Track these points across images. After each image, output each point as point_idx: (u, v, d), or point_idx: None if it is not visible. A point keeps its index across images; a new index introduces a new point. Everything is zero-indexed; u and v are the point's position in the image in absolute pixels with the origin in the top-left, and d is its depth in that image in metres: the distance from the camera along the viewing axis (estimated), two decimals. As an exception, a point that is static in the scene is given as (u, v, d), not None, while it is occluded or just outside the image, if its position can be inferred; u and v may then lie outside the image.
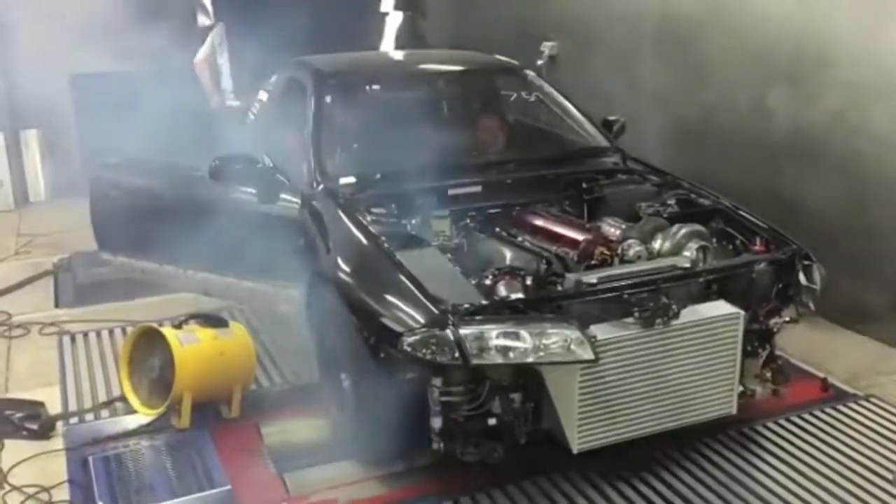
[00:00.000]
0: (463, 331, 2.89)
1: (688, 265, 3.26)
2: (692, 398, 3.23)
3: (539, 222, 3.75)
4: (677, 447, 3.44)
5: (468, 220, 3.81)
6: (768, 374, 3.46)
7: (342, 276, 3.39)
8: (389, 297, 3.10)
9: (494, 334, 2.90)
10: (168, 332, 3.65)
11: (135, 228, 4.66)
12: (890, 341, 4.50)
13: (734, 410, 3.34)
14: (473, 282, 3.34)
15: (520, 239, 3.66)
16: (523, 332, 2.90)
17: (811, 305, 3.50)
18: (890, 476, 3.32)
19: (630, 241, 3.43)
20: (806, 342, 4.22)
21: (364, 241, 3.42)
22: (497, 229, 3.79)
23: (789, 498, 3.23)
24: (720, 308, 3.25)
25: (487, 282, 3.28)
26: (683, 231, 3.51)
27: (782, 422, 3.70)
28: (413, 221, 3.72)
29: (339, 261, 3.44)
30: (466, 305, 2.97)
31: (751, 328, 3.38)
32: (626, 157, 4.41)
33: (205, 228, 4.49)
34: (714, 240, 3.73)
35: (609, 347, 3.03)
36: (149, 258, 4.73)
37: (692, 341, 3.17)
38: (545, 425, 3.16)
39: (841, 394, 4.00)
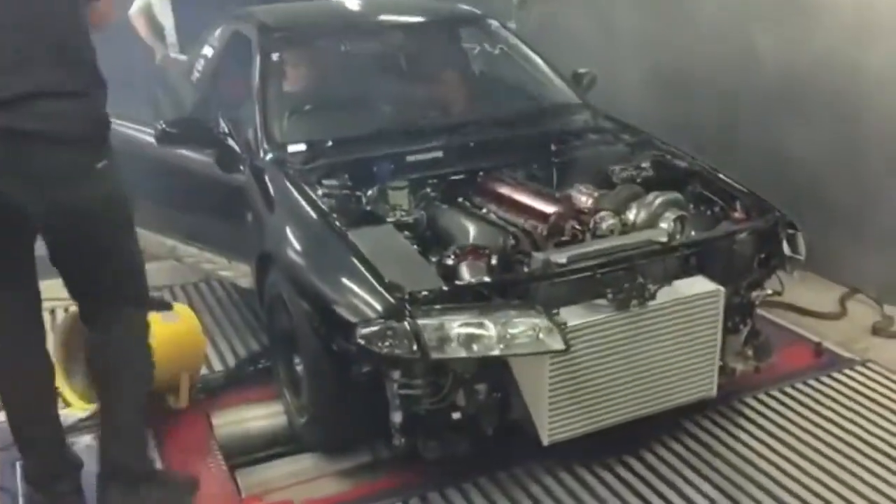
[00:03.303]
0: (422, 321, 2.64)
1: (664, 239, 3.01)
2: (670, 382, 3.02)
3: (505, 191, 3.48)
4: (659, 426, 3.22)
5: (428, 190, 3.53)
6: (750, 352, 3.26)
7: (290, 258, 3.12)
8: (341, 284, 2.84)
9: (456, 325, 2.65)
10: (105, 319, 3.35)
11: None
12: (887, 298, 4.31)
13: (714, 392, 3.14)
14: (434, 260, 3.10)
15: (484, 211, 3.40)
16: (487, 322, 2.66)
17: (794, 275, 3.28)
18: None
19: (603, 213, 3.17)
20: (797, 301, 4.09)
21: (314, 218, 3.14)
22: (460, 199, 3.52)
23: (780, 477, 3.04)
24: (699, 285, 3.02)
25: (449, 261, 3.02)
26: (660, 200, 3.26)
27: (774, 392, 3.51)
28: (369, 193, 3.43)
29: (287, 241, 3.17)
30: (425, 293, 2.72)
31: (731, 302, 3.16)
32: (596, 113, 4.14)
33: (166, 193, 4.25)
34: (691, 206, 3.51)
35: (581, 333, 2.80)
36: None
37: (670, 322, 2.95)
38: (514, 415, 2.94)
39: (836, 359, 3.80)
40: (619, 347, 2.88)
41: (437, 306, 2.67)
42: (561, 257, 2.86)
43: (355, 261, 2.86)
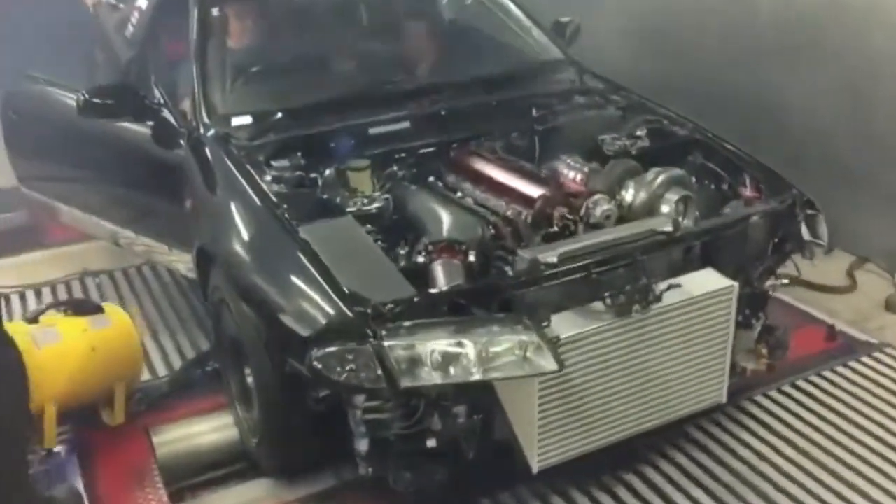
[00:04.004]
0: (388, 343, 2.21)
1: (670, 229, 2.59)
2: (675, 391, 2.63)
3: (482, 168, 3.03)
4: (659, 434, 2.83)
5: (395, 168, 3.08)
6: (763, 350, 2.87)
7: (231, 260, 2.67)
8: (291, 295, 2.40)
9: (429, 345, 2.22)
10: (18, 329, 2.85)
11: (45, 162, 4.06)
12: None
13: (724, 399, 2.76)
14: (402, 253, 2.68)
15: (458, 195, 2.95)
16: (466, 341, 2.23)
17: (812, 261, 2.89)
18: None
19: (596, 196, 2.73)
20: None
21: (259, 211, 2.68)
22: (431, 178, 3.07)
23: (791, 488, 2.71)
24: (708, 280, 2.61)
25: (420, 259, 2.59)
26: (661, 178, 2.84)
27: (786, 388, 3.14)
28: (326, 173, 2.97)
29: (228, 239, 2.72)
30: (391, 305, 2.28)
31: (742, 293, 2.76)
32: (582, 70, 3.67)
33: (101, 169, 3.78)
34: (694, 180, 3.09)
35: (575, 346, 2.39)
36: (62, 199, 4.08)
37: (676, 325, 2.54)
38: (498, 437, 2.54)
39: (851, 343, 3.44)
40: (619, 357, 2.48)
41: (406, 323, 2.24)
42: (551, 256, 2.43)
43: (308, 265, 2.41)
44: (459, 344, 2.22)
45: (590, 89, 3.56)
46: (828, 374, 3.23)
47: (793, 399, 3.10)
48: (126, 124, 3.41)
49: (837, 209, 3.83)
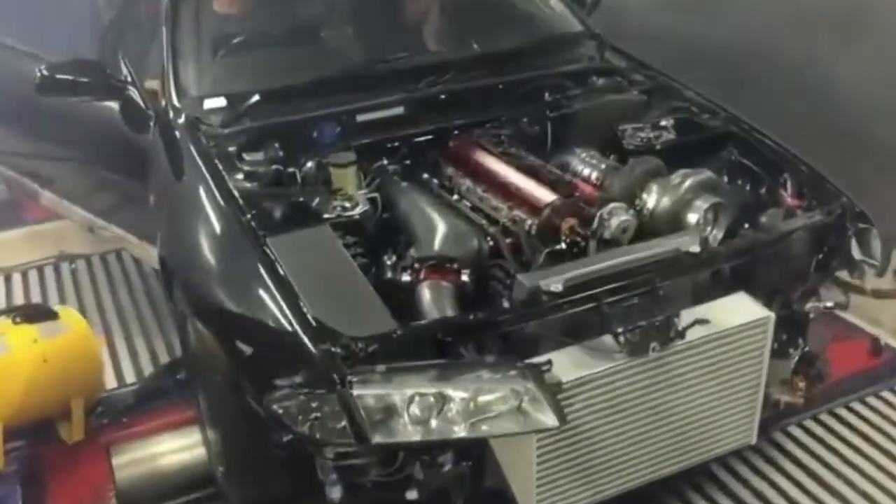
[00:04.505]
0: (359, 391, 1.87)
1: (696, 249, 2.21)
2: (697, 435, 2.28)
3: (484, 163, 2.67)
4: (679, 473, 2.49)
5: (385, 162, 2.72)
6: (801, 383, 2.50)
7: (189, 276, 2.34)
8: (250, 324, 2.07)
9: (407, 395, 1.88)
10: (-40, 342, 2.58)
11: (16, 138, 3.72)
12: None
13: (754, 440, 2.40)
14: (389, 264, 2.34)
15: (455, 197, 2.59)
16: (451, 392, 1.89)
17: (864, 286, 2.52)
18: None
19: (612, 206, 2.35)
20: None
21: (222, 219, 2.33)
22: (425, 176, 2.71)
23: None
24: (740, 309, 2.23)
25: (405, 278, 2.25)
26: (689, 182, 2.46)
27: (824, 417, 2.78)
28: (306, 168, 2.61)
29: (186, 250, 2.38)
30: (362, 344, 1.93)
31: (779, 318, 2.39)
32: (602, 45, 3.26)
33: (75, 148, 3.47)
34: (725, 179, 2.72)
35: (581, 390, 2.04)
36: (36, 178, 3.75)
37: (700, 363, 2.18)
38: (491, 485, 2.21)
39: (897, 360, 3.06)
40: (632, 400, 2.12)
41: (381, 367, 1.90)
42: (555, 284, 2.06)
43: (271, 288, 2.07)
44: (442, 395, 1.88)
45: (610, 68, 3.16)
46: (872, 400, 2.86)
47: (831, 431, 2.75)
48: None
49: (882, 199, 3.45)
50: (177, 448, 2.74)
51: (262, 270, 2.11)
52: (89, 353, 2.79)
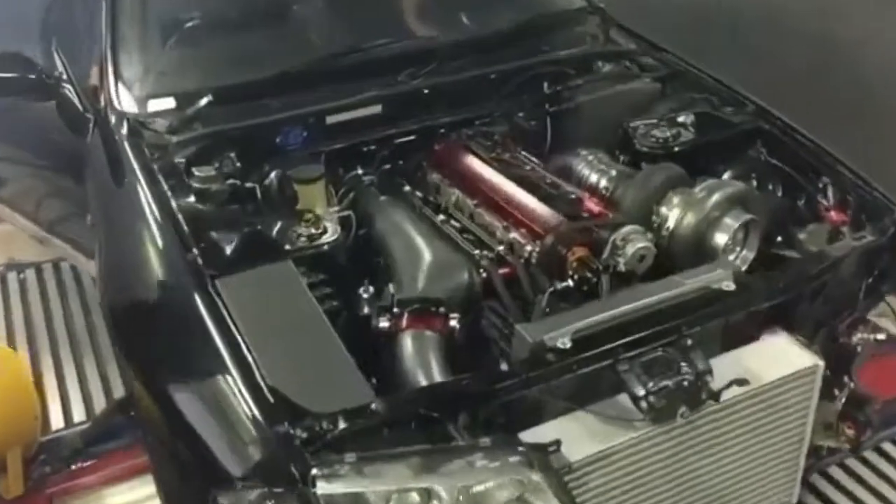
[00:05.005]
0: (324, 490, 1.51)
1: (731, 287, 1.84)
2: (729, 500, 1.94)
3: (474, 171, 2.29)
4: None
5: (359, 171, 2.35)
6: (849, 430, 2.16)
7: (124, 320, 1.97)
8: (189, 397, 1.71)
9: (383, 492, 1.53)
10: None
11: None
12: None
13: (795, 500, 2.07)
14: (366, 297, 1.98)
15: (441, 218, 2.21)
16: (437, 487, 1.54)
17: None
18: None
19: (627, 230, 1.98)
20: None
21: (163, 256, 1.95)
22: (407, 188, 2.34)
23: None
24: (783, 356, 1.88)
25: (383, 324, 1.89)
26: (716, 196, 2.08)
27: (869, 455, 2.44)
28: (267, 182, 2.24)
29: (120, 287, 2.02)
30: (328, 424, 1.56)
31: (824, 353, 2.04)
32: (607, 23, 2.86)
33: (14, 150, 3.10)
34: (753, 182, 2.35)
35: (595, 466, 1.70)
36: None
37: (736, 424, 1.84)
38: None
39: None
40: (656, 473, 1.78)
41: (352, 456, 1.54)
42: (562, 339, 1.70)
43: (220, 349, 1.70)
44: (428, 491, 1.53)
45: (618, 51, 2.77)
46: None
47: (877, 472, 2.41)
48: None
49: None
50: (130, 502, 2.42)
51: (209, 324, 1.75)
52: (22, 397, 2.44)
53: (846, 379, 2.14)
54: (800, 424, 1.93)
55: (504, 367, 1.71)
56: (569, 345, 1.69)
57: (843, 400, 2.13)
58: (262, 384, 1.62)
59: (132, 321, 1.94)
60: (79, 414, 2.78)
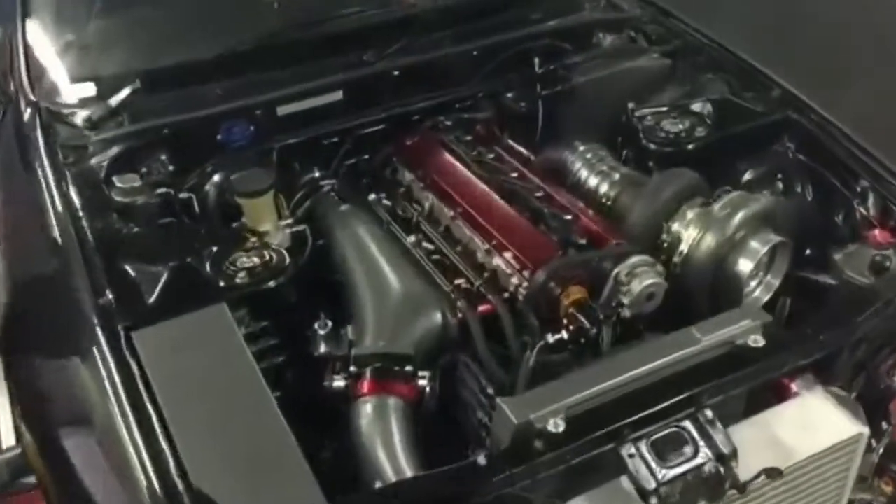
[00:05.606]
0: None
1: (760, 343, 1.51)
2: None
3: (452, 176, 1.94)
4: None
5: (316, 175, 2.00)
6: (886, 487, 1.85)
7: (20, 377, 1.63)
8: (91, 492, 1.39)
9: None
10: None
11: None
12: None
13: (826, 571, 1.78)
14: (322, 334, 1.65)
15: (412, 239, 1.85)
16: None
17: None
18: None
19: (634, 263, 1.63)
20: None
21: (67, 301, 1.60)
22: (372, 196, 1.99)
23: None
24: (821, 423, 1.54)
25: (338, 384, 1.56)
26: (740, 215, 1.74)
27: None
28: (205, 191, 1.89)
29: (17, 333, 1.68)
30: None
31: (859, 394, 1.73)
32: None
33: None
34: (779, 184, 2.01)
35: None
36: None
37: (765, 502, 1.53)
38: None
39: None
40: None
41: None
42: (554, 419, 1.37)
43: (133, 432, 1.37)
44: None
45: (621, 18, 2.38)
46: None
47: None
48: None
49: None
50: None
51: (113, 403, 1.40)
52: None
53: (884, 425, 1.84)
54: (837, 494, 1.63)
55: (482, 460, 1.39)
56: (562, 427, 1.36)
57: (881, 451, 1.83)
58: (181, 486, 1.30)
59: (28, 383, 1.61)
60: (6, 432, 2.46)
